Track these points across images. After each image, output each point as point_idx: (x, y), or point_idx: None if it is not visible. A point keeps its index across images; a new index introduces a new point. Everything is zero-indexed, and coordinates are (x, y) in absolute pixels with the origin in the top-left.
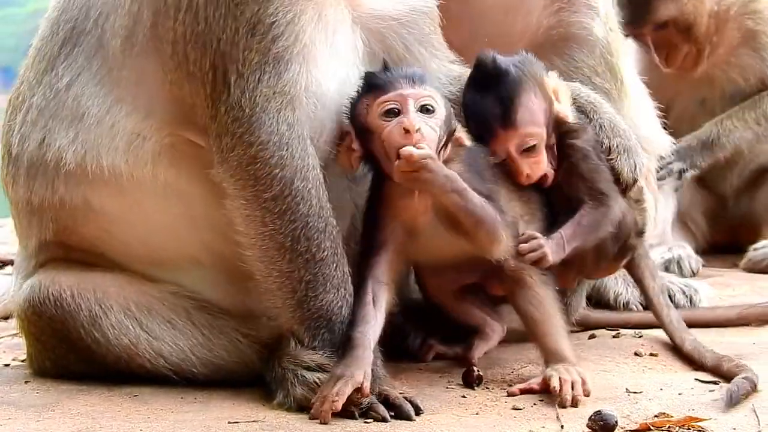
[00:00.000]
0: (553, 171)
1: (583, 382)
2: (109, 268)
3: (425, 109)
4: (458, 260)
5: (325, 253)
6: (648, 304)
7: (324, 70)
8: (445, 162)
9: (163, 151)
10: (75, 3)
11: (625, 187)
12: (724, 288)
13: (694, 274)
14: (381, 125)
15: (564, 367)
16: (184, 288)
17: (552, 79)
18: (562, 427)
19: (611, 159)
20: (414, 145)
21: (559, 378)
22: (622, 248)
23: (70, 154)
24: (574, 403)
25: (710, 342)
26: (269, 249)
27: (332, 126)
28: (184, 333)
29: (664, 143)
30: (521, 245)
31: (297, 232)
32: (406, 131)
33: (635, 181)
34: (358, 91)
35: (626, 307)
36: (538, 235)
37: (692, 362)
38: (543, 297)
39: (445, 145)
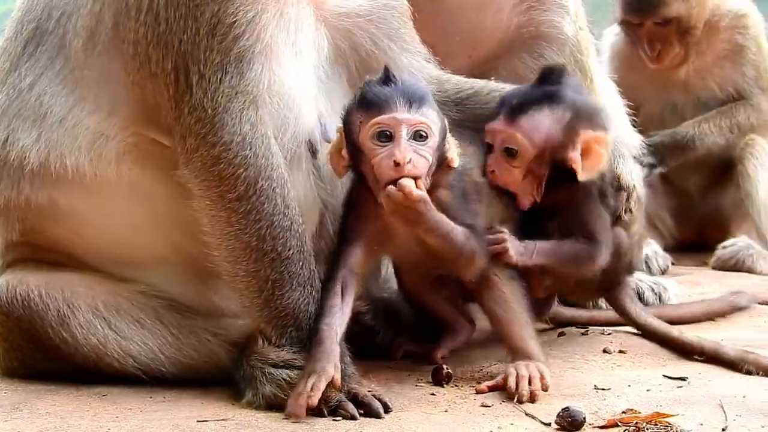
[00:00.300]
0: (531, 197)
1: (542, 377)
2: (77, 268)
3: (418, 136)
4: (429, 261)
5: (291, 251)
6: (634, 325)
7: (287, 69)
8: (433, 186)
9: (128, 151)
10: (38, 3)
11: (627, 194)
12: (694, 286)
13: (663, 272)
14: (372, 149)
15: (524, 363)
16: (152, 287)
17: (590, 137)
18: (534, 418)
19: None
20: (405, 177)
21: (517, 374)
22: (607, 284)
23: (33, 153)
24: (532, 399)
25: None
26: (235, 249)
27: (296, 124)
28: (153, 332)
29: (634, 142)
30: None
31: (262, 231)
32: (396, 164)
33: (635, 186)
34: (354, 100)
35: (596, 305)
36: (505, 230)
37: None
38: (508, 295)
39: (436, 169)
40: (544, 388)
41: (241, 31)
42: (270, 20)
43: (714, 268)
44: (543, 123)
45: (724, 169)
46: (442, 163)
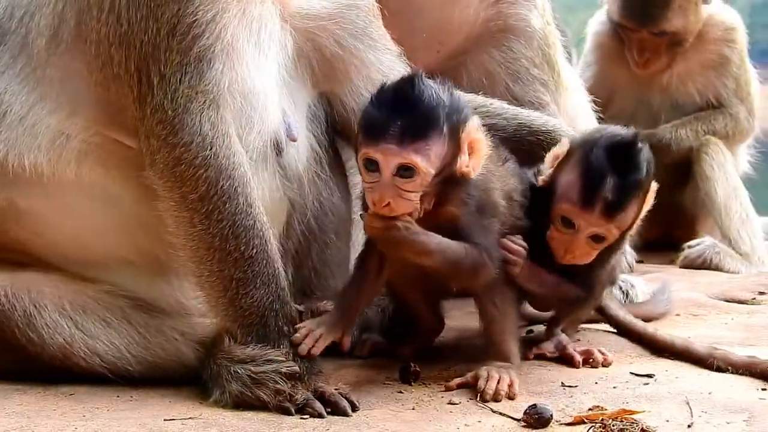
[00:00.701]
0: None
1: (511, 383)
2: (42, 268)
3: (406, 169)
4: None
5: (254, 250)
6: (611, 322)
7: (251, 67)
8: (442, 200)
9: (89, 151)
10: (0, 2)
11: None
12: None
13: (630, 270)
14: (362, 174)
15: (498, 365)
16: (119, 287)
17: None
18: (502, 415)
19: None
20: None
21: (488, 374)
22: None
23: None
24: (495, 398)
25: None
26: (199, 249)
27: (261, 123)
28: (120, 331)
29: None
30: (505, 240)
31: (225, 231)
32: (374, 203)
33: None
34: (361, 112)
35: None
36: (524, 248)
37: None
38: (505, 298)
39: (444, 190)
40: (511, 396)
41: (201, 30)
42: (231, 19)
43: (682, 266)
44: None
45: (688, 167)
46: (453, 176)
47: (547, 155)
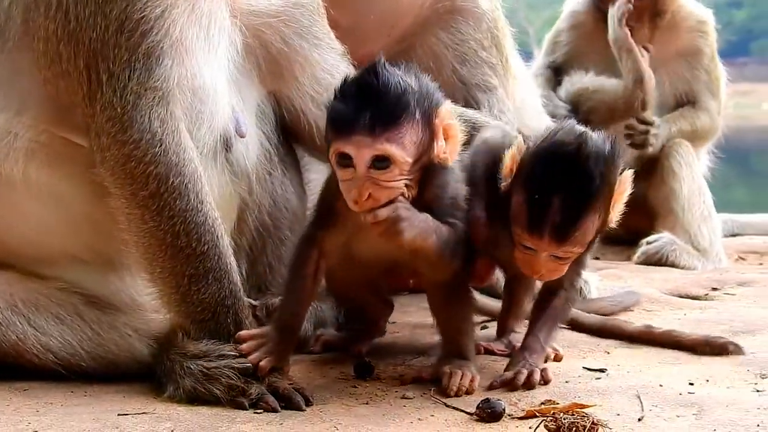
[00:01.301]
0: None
1: (472, 380)
2: None
3: (382, 160)
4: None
5: (206, 246)
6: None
7: (201, 63)
8: (423, 193)
9: (37, 150)
10: None
11: None
12: (617, 280)
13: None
14: (337, 170)
15: (459, 362)
16: (71, 285)
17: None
18: (455, 409)
19: None
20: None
21: (450, 371)
22: None
23: None
24: (458, 393)
25: None
26: (151, 246)
27: (211, 118)
28: (73, 328)
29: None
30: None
31: (176, 227)
32: (355, 201)
33: None
34: (327, 109)
35: None
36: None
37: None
38: (462, 296)
39: (424, 175)
40: (470, 391)
41: (149, 27)
42: (180, 15)
43: (639, 263)
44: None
45: (651, 161)
46: (432, 163)
47: (505, 158)
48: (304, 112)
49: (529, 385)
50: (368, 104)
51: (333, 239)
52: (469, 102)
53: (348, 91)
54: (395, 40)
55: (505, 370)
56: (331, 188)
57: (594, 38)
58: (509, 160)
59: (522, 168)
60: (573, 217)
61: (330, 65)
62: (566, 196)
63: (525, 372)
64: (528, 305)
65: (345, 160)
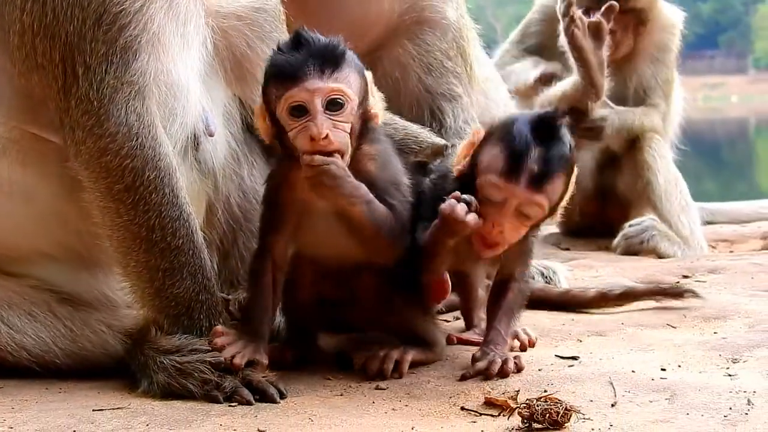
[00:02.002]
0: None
1: (401, 361)
2: None
3: (334, 104)
4: (347, 245)
5: (181, 241)
6: None
7: (175, 59)
8: (357, 152)
9: (7, 147)
10: None
11: None
12: (588, 270)
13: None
14: (289, 124)
15: (402, 347)
16: (43, 282)
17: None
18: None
19: None
20: (321, 152)
21: (374, 354)
22: None
23: None
24: (381, 375)
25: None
26: (125, 240)
27: (183, 114)
28: (46, 325)
29: None
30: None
31: (151, 221)
32: (312, 138)
33: None
34: (268, 68)
35: None
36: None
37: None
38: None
39: (360, 133)
40: (400, 374)
41: (128, 21)
42: (158, 10)
43: (618, 248)
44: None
45: (615, 153)
46: (366, 121)
47: (460, 146)
48: None
49: (503, 373)
50: (311, 53)
51: (282, 240)
52: (434, 111)
53: (286, 46)
54: (363, 51)
55: (474, 362)
56: (271, 189)
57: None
58: (466, 145)
59: (489, 136)
60: (549, 167)
61: None
62: (545, 149)
63: (498, 361)
64: (481, 291)
65: (298, 111)
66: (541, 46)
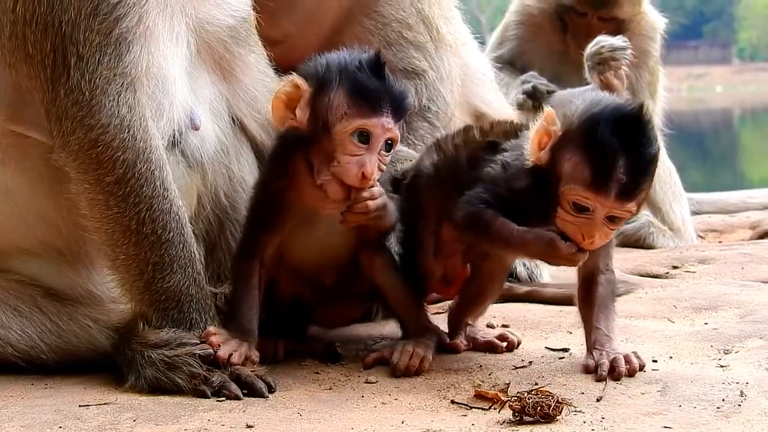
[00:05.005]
0: None
1: (423, 359)
2: None
3: (388, 147)
4: (335, 259)
5: (171, 234)
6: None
7: (165, 54)
8: None
9: None
10: None
11: None
12: None
13: None
14: (346, 147)
15: (415, 341)
16: (28, 278)
17: None
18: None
19: None
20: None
21: (402, 348)
22: None
23: None
24: (407, 373)
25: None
26: (115, 232)
27: (170, 110)
28: (32, 320)
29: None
30: None
31: (142, 214)
32: (364, 176)
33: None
34: (341, 77)
35: None
36: None
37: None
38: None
39: None
40: (420, 371)
41: (125, 12)
42: (154, 5)
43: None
44: None
45: None
46: None
47: (532, 131)
48: (245, 113)
49: (632, 371)
50: (391, 91)
51: (275, 242)
52: None
53: (371, 72)
54: (324, 38)
55: (596, 370)
56: (275, 191)
57: (543, 35)
58: (538, 136)
59: (570, 136)
60: (639, 175)
61: (263, 67)
62: (632, 156)
63: (620, 359)
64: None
65: (363, 137)
66: (519, 52)
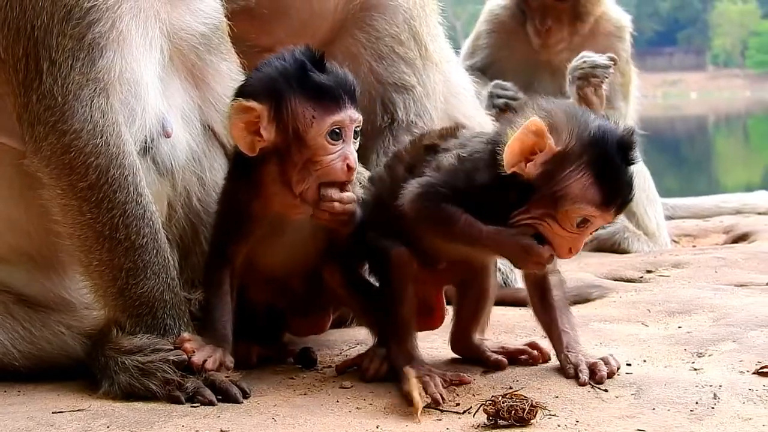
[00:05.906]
0: None
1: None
2: None
3: (356, 134)
4: (305, 263)
5: (145, 239)
6: None
7: (138, 60)
8: None
9: None
10: None
11: None
12: None
13: None
14: (324, 148)
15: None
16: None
17: None
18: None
19: None
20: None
21: (371, 356)
22: None
23: None
24: (376, 378)
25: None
26: (88, 238)
27: (142, 115)
28: (4, 327)
29: (483, 122)
30: None
31: (115, 220)
32: (349, 168)
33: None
34: (292, 85)
35: None
36: None
37: None
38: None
39: None
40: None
41: (98, 17)
42: (128, 11)
43: (590, 249)
44: None
45: None
46: None
47: (512, 139)
48: (217, 120)
49: (612, 374)
50: (341, 81)
51: (244, 250)
52: (386, 103)
53: (316, 68)
54: (316, 48)
55: (576, 376)
56: (241, 202)
57: (515, 42)
58: (520, 145)
59: (574, 153)
60: (632, 190)
61: (234, 74)
62: (628, 173)
63: (599, 363)
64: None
65: (336, 136)
66: (491, 61)
